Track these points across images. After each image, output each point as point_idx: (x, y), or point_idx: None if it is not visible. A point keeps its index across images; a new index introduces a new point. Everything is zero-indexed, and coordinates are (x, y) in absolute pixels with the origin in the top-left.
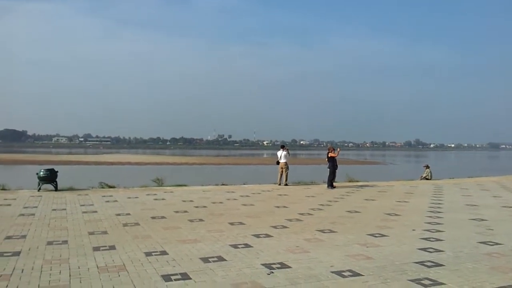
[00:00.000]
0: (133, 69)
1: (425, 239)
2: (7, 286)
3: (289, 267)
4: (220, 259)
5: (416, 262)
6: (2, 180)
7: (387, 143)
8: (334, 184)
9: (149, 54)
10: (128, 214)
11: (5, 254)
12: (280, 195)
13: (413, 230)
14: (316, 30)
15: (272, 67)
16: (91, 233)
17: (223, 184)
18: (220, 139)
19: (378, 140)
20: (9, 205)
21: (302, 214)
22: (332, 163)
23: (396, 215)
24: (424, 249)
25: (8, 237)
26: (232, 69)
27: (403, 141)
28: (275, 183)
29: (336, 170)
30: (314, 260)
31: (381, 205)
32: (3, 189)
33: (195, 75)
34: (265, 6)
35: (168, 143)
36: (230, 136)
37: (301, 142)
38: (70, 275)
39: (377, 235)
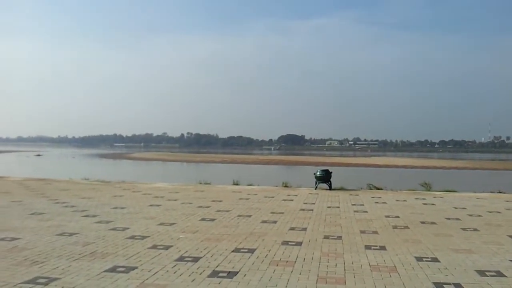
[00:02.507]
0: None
1: None
2: (291, 271)
3: None
4: (499, 274)
5: None
6: (285, 179)
7: None
8: None
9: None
10: (397, 216)
11: (289, 243)
12: None
13: None
14: None
15: None
16: (362, 232)
17: (499, 192)
18: (496, 141)
19: None
20: (292, 200)
21: None
22: None
23: None
24: None
25: (292, 228)
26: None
27: None
28: None
29: None
30: None
31: None
32: (286, 186)
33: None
34: None
35: (436, 146)
36: (508, 138)
37: None
38: (344, 269)
39: None
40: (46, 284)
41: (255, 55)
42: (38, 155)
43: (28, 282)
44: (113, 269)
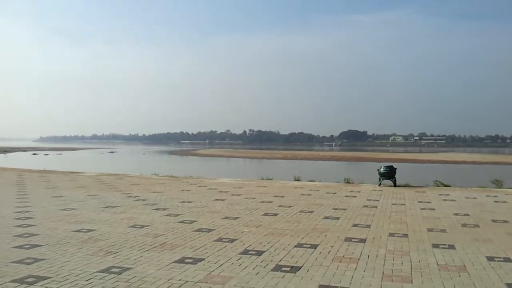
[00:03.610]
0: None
1: None
2: (355, 268)
3: None
4: None
5: None
6: (347, 175)
7: None
8: None
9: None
10: (467, 214)
11: (353, 240)
12: None
13: None
14: None
15: None
16: (429, 230)
17: None
18: None
19: None
20: (355, 196)
21: None
22: None
23: None
24: None
25: (355, 225)
26: None
27: None
28: None
29: None
30: None
31: None
32: (348, 182)
33: None
34: None
35: (508, 141)
36: None
37: None
38: (411, 268)
39: None
40: (119, 273)
41: (317, 51)
42: (111, 152)
43: (102, 271)
44: (181, 260)
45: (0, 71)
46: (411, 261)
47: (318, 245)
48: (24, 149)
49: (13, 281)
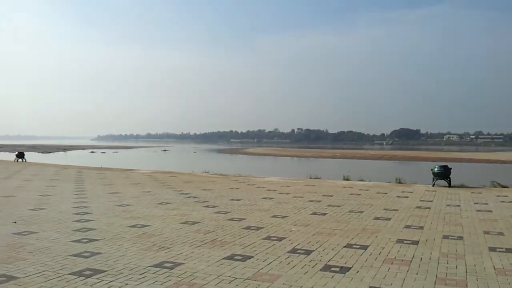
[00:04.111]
0: None
1: None
2: (407, 270)
3: None
4: None
5: None
6: (398, 175)
7: None
8: None
9: None
10: None
11: (405, 242)
12: None
13: None
14: None
15: None
16: (486, 233)
17: None
18: None
19: None
20: (407, 197)
21: None
22: None
23: None
24: None
25: (407, 226)
26: None
27: None
28: None
29: None
30: None
31: None
32: (400, 182)
33: None
34: None
35: None
36: None
37: None
38: (466, 271)
39: None
40: (171, 268)
41: (362, 49)
42: (164, 150)
43: (155, 265)
44: (231, 257)
45: (65, 71)
46: (466, 265)
47: (368, 246)
48: (83, 147)
49: (72, 273)
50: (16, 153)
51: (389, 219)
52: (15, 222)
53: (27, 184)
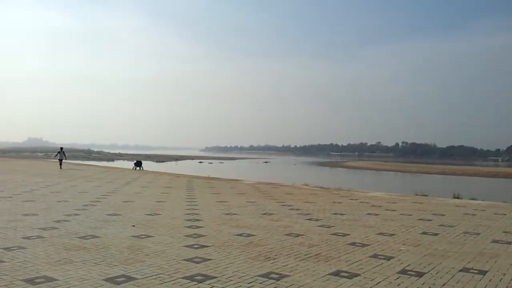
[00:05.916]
0: None
1: None
2: None
3: None
4: None
5: None
6: None
7: None
8: None
9: None
10: None
11: None
12: None
13: None
14: None
15: None
16: None
17: None
18: None
19: None
20: None
21: None
22: None
23: None
24: None
25: None
26: None
27: None
28: None
29: None
30: None
31: None
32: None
33: None
34: None
35: None
36: None
37: None
38: None
39: None
40: (278, 279)
41: (480, 56)
42: (266, 162)
43: (263, 275)
44: (336, 273)
45: (168, 85)
46: None
47: (487, 271)
48: (192, 158)
49: (184, 277)
50: (135, 161)
51: (510, 243)
52: (134, 226)
53: (144, 190)
